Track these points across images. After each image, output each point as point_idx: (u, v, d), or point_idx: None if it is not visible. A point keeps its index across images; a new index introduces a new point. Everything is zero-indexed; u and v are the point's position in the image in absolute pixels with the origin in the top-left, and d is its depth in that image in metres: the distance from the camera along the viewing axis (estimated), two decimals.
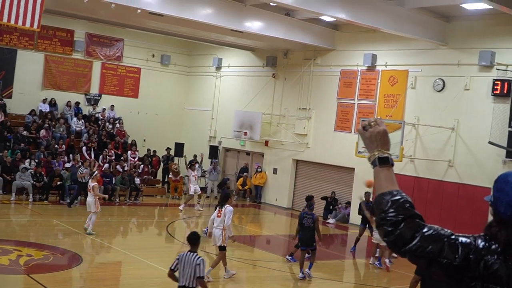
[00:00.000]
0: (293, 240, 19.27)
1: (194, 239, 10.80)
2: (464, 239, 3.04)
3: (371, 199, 21.90)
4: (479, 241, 3.06)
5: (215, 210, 16.40)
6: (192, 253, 10.41)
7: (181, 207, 28.12)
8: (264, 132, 32.53)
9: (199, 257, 10.36)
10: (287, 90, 32.39)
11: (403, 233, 3.03)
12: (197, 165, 30.12)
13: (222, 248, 16.04)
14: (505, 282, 2.97)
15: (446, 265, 3.00)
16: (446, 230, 3.09)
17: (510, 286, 2.97)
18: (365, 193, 21.34)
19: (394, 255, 20.46)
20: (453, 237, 3.04)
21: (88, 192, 21.11)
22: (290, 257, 19.30)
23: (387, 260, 19.39)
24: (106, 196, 26.13)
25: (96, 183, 21.34)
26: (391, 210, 3.09)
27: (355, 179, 28.31)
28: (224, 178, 33.17)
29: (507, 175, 3.16)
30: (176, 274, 10.50)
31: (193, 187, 28.25)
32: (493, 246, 3.02)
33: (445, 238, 3.02)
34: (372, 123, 3.40)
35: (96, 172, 23.04)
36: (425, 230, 3.04)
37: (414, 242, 3.01)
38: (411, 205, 3.13)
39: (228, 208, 15.98)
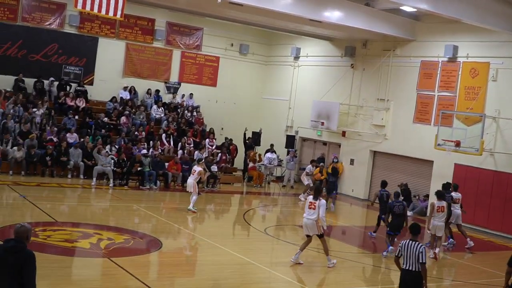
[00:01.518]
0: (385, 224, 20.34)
1: (416, 229, 12.09)
2: None
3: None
4: None
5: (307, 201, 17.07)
6: (414, 242, 11.74)
7: (301, 197, 29.00)
8: (342, 123, 32.42)
9: (421, 245, 11.68)
10: (365, 81, 32.17)
11: None
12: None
13: (321, 236, 16.77)
14: None
15: None
16: None
17: None
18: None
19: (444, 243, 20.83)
20: None
21: (192, 174, 23.53)
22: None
23: (437, 250, 19.50)
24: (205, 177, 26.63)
25: (202, 169, 23.76)
26: None
27: (433, 172, 27.95)
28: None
29: None
30: (400, 260, 12.04)
31: (307, 179, 29.47)
32: None
33: None
34: None
35: (203, 158, 26.96)
36: None
37: None
38: None
39: (322, 201, 16.68)
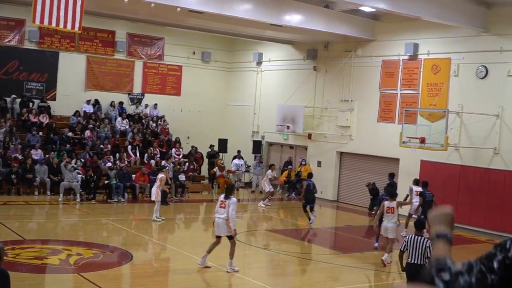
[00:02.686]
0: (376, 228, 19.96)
1: (420, 225, 12.82)
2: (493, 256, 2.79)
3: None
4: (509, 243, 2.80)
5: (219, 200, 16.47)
6: (419, 237, 12.40)
7: (261, 204, 28.74)
8: (307, 125, 32.52)
9: (427, 240, 12.35)
10: (329, 82, 32.32)
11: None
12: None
13: (230, 237, 16.14)
14: None
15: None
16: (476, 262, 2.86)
17: None
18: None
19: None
20: (482, 266, 2.80)
21: (155, 182, 23.70)
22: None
23: (385, 256, 18.06)
24: (167, 188, 26.34)
25: (164, 176, 23.82)
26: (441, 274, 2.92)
27: (400, 169, 28.15)
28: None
29: None
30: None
31: (268, 185, 29.18)
32: None
33: (476, 267, 2.81)
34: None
35: (167, 166, 26.77)
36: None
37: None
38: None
39: (232, 200, 16.08)
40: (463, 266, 2.89)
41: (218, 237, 16.31)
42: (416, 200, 22.19)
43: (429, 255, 11.91)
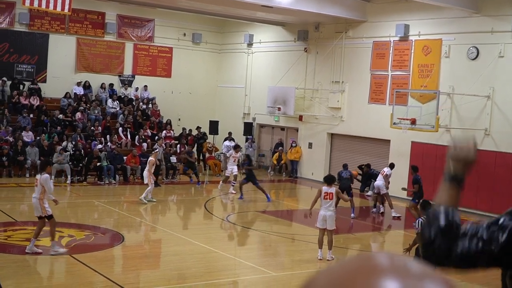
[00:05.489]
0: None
1: (428, 206, 12.46)
2: (501, 222, 2.86)
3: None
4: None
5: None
6: None
7: (219, 186, 28.09)
8: (298, 107, 32.49)
9: None
10: (320, 64, 32.27)
11: (440, 246, 2.86)
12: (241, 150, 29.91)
13: (43, 218, 15.16)
14: None
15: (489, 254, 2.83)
16: (479, 227, 2.89)
17: None
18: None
19: None
20: (488, 230, 2.86)
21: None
22: None
23: (320, 253, 16.46)
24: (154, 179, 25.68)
25: (153, 159, 23.56)
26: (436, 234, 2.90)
27: (391, 150, 28.20)
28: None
29: None
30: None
31: (230, 168, 28.13)
32: None
33: (478, 235, 2.85)
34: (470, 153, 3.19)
35: (157, 149, 26.49)
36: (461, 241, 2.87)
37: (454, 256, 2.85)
38: (458, 226, 2.92)
39: (44, 176, 15.01)
40: (470, 229, 2.89)
41: (40, 218, 15.20)
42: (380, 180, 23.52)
43: None
